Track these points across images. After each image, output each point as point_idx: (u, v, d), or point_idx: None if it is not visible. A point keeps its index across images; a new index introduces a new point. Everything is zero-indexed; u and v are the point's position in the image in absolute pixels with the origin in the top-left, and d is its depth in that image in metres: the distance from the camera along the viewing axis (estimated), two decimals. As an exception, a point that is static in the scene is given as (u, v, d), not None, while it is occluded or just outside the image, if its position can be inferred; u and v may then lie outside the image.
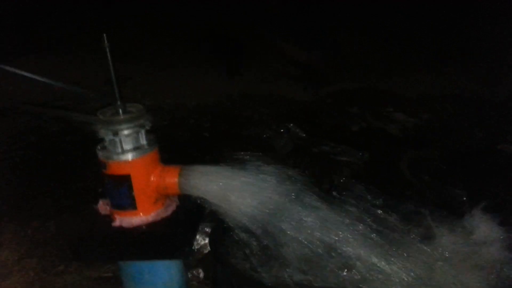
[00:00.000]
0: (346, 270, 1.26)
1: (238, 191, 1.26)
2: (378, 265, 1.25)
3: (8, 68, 1.23)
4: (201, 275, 1.80)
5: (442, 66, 4.92)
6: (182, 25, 5.63)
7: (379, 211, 1.52)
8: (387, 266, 1.26)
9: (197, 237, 1.93)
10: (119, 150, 1.19)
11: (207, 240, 1.83)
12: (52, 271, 1.94)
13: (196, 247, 1.93)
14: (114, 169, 1.21)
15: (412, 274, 1.26)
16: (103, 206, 1.32)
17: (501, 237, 1.54)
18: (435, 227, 1.58)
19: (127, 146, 1.20)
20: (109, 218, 1.29)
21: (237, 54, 5.07)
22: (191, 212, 1.35)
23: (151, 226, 1.27)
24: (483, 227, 1.59)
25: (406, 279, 1.24)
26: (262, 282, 1.20)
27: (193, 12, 5.73)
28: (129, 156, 1.19)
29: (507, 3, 4.87)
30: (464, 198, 2.15)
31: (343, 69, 5.05)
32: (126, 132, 1.18)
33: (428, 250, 1.40)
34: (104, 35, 1.12)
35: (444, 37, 5.23)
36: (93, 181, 2.65)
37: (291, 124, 3.33)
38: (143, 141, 1.23)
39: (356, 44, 5.45)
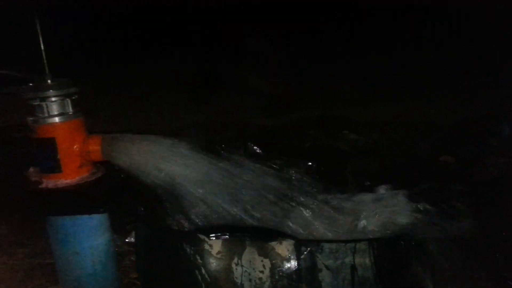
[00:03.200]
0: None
1: (155, 158, 1.40)
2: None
3: None
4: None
5: (402, 97, 5.22)
6: (155, 59, 5.92)
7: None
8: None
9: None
10: (46, 114, 1.34)
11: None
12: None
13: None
14: (41, 132, 1.35)
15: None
16: (33, 173, 1.44)
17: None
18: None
19: (53, 111, 1.34)
20: (38, 182, 1.41)
21: (205, 86, 5.33)
22: (115, 179, 1.48)
23: (76, 188, 1.39)
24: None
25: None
26: (172, 229, 1.33)
27: (165, 47, 6.04)
28: (54, 120, 1.34)
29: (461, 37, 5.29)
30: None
31: (306, 100, 5.33)
32: (52, 98, 1.34)
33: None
34: (35, 12, 1.30)
35: (405, 68, 5.58)
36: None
37: (248, 142, 3.49)
38: (69, 108, 1.38)
39: (319, 77, 5.76)
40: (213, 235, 1.19)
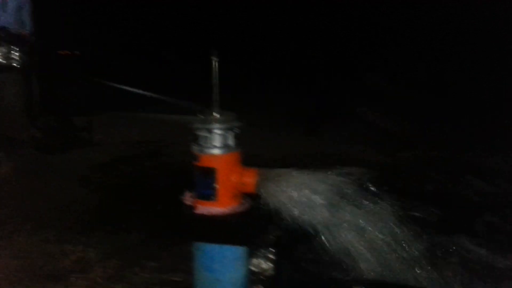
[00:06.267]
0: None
1: (310, 196, 1.41)
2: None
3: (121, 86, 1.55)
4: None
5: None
6: (270, 87, 6.08)
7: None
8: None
9: (260, 260, 2.07)
10: (210, 145, 1.41)
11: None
12: (129, 271, 2.15)
13: (258, 270, 2.07)
14: (204, 161, 1.42)
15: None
16: (188, 197, 1.53)
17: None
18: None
19: (217, 143, 1.42)
20: (192, 207, 1.48)
21: (318, 116, 5.33)
22: (263, 211, 1.51)
23: (227, 217, 1.44)
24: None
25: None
26: (325, 277, 1.30)
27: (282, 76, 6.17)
28: (217, 151, 1.41)
29: None
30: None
31: (423, 139, 5.06)
32: (217, 131, 1.41)
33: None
34: (214, 50, 1.39)
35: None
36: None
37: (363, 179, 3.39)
38: (230, 141, 1.44)
39: (439, 116, 5.44)
40: (371, 288, 1.14)
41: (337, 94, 5.63)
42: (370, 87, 5.33)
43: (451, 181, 3.50)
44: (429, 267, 1.78)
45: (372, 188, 3.18)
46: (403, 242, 1.67)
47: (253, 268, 2.12)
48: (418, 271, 1.66)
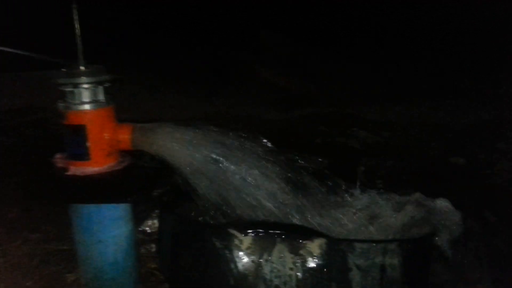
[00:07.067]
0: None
1: (186, 148, 1.40)
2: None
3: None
4: (153, 249, 1.90)
5: (414, 98, 5.19)
6: (166, 47, 5.89)
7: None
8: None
9: (154, 221, 2.06)
10: (77, 101, 1.33)
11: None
12: (10, 245, 2.00)
13: (152, 230, 2.06)
14: (72, 119, 1.34)
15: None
16: (59, 159, 1.44)
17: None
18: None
19: (85, 98, 1.33)
20: (64, 169, 1.40)
21: (217, 77, 5.31)
22: (142, 168, 1.48)
23: (103, 176, 1.38)
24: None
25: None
26: (202, 222, 1.32)
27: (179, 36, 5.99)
28: (86, 107, 1.33)
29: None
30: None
31: (318, 97, 5.31)
32: (84, 85, 1.32)
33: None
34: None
35: (418, 70, 5.56)
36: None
37: (259, 136, 3.48)
38: (101, 96, 1.37)
39: (333, 75, 5.73)
40: (244, 230, 1.18)
41: (235, 55, 5.62)
42: (266, 46, 5.39)
43: (338, 134, 3.74)
44: (315, 212, 1.88)
45: (266, 143, 3.28)
46: (289, 189, 1.75)
47: (147, 229, 2.12)
48: (304, 216, 1.74)
